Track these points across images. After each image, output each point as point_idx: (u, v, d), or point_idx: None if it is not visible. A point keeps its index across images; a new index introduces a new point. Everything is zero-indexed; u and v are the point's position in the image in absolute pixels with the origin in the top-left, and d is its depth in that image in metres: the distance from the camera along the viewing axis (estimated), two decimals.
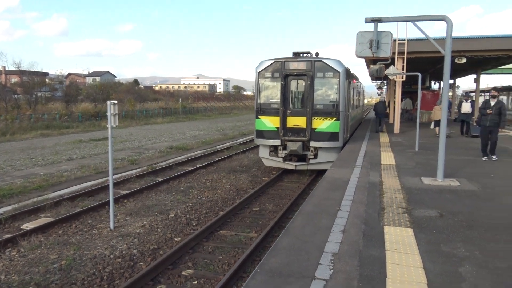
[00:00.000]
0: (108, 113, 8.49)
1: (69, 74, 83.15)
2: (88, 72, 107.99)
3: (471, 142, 16.18)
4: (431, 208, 6.54)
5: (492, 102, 11.24)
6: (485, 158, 11.53)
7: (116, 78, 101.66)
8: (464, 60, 17.91)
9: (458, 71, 27.68)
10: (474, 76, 27.37)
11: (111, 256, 7.27)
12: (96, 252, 7.46)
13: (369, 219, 5.94)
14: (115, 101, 8.75)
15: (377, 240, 5.06)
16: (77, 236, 8.41)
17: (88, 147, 22.07)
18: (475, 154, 12.67)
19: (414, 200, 7.07)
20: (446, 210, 6.38)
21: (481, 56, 18.33)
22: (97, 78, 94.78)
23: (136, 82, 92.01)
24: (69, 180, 13.55)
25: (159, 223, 9.16)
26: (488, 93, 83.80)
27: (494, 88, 11.97)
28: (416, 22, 8.21)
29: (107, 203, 10.13)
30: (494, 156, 11.45)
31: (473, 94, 26.77)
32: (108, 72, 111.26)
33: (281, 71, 13.59)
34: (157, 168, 15.78)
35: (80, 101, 50.23)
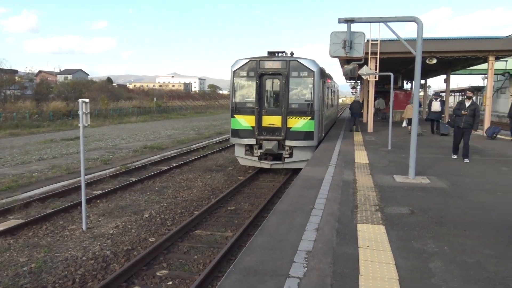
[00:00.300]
0: (80, 112, 8.33)
1: (40, 71, 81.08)
2: (60, 70, 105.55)
3: (441, 140, 16.61)
4: (403, 205, 6.68)
5: (467, 103, 11.14)
6: (455, 156, 11.65)
7: (89, 76, 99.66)
8: (434, 61, 18.35)
9: (429, 72, 28.35)
10: (445, 76, 28.11)
11: (84, 258, 7.14)
12: (68, 254, 7.30)
13: (343, 217, 6.03)
14: (87, 100, 8.58)
15: (350, 238, 5.14)
16: (48, 238, 8.22)
17: (60, 147, 21.57)
18: (445, 152, 13.01)
19: (387, 197, 7.20)
20: (417, 207, 6.53)
21: (450, 57, 18.83)
22: (69, 76, 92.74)
23: (109, 80, 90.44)
24: (39, 181, 13.21)
25: (133, 224, 9.04)
26: (459, 93, 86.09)
27: (470, 89, 12.13)
28: (388, 23, 8.37)
29: (79, 203, 9.93)
30: (466, 159, 11.23)
31: (443, 94, 27.47)
32: (81, 70, 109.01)
33: (256, 70, 13.61)
34: (131, 168, 15.56)
35: (51, 99, 48.99)
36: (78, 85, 61.87)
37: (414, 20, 7.96)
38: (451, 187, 8.06)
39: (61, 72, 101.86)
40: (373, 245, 4.89)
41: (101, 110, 47.45)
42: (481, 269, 4.25)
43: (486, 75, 18.94)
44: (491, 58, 17.93)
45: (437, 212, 6.29)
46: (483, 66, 20.57)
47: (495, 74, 41.23)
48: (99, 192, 11.74)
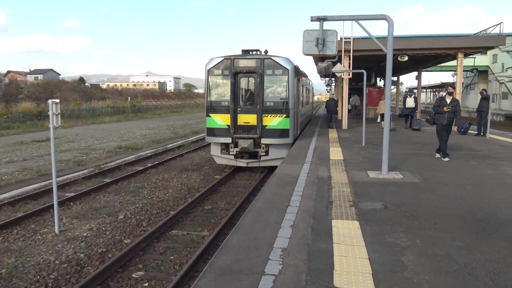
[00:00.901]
0: (50, 113, 8.14)
1: (8, 71, 78.81)
2: (30, 69, 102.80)
3: (414, 136, 16.96)
4: (376, 200, 6.79)
5: (448, 100, 10.77)
6: (438, 155, 11.16)
7: (60, 76, 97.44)
8: (406, 58, 18.71)
9: (401, 69, 28.89)
10: (416, 73, 28.69)
11: (56, 262, 6.99)
12: (40, 258, 7.14)
13: (318, 213, 6.08)
14: (57, 100, 8.39)
15: (325, 234, 5.19)
16: (19, 242, 8.01)
17: (31, 149, 21.02)
18: (418, 147, 13.31)
19: (361, 193, 7.31)
20: (390, 202, 6.65)
21: (421, 54, 19.23)
22: (40, 76, 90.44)
23: (81, 80, 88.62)
24: (9, 184, 12.86)
25: (108, 226, 8.90)
26: (431, 89, 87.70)
27: (451, 85, 11.39)
28: (360, 21, 8.48)
29: (52, 206, 9.71)
30: (443, 156, 11.01)
31: (415, 90, 28.05)
32: (52, 70, 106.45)
33: (230, 68, 13.58)
34: (105, 168, 15.30)
35: (21, 100, 47.68)
36: (49, 85, 60.46)
37: (384, 18, 8.09)
38: (423, 182, 8.24)
39: (31, 72, 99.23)
40: (348, 240, 4.96)
41: (73, 110, 46.46)
42: (451, 261, 4.37)
43: (455, 72, 19.42)
44: (460, 55, 18.41)
45: (409, 206, 6.43)
46: (453, 63, 21.10)
47: (464, 71, 42.39)
48: (72, 194, 11.51)
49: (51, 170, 14.31)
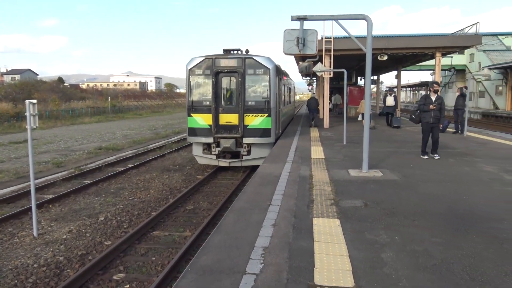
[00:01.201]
0: (28, 114, 8.00)
1: None
2: (6, 69, 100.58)
3: (394, 134, 17.20)
4: (357, 198, 6.87)
5: (433, 97, 10.62)
6: (425, 157, 10.93)
7: (38, 76, 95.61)
8: (385, 57, 18.97)
9: (381, 68, 29.26)
10: (396, 72, 29.10)
11: (35, 265, 6.87)
12: (18, 262, 7.01)
13: (299, 212, 6.12)
14: (35, 101, 8.25)
15: (306, 232, 5.23)
16: None
17: (8, 150, 20.56)
18: (397, 145, 13.50)
19: (342, 191, 7.38)
20: (370, 200, 6.73)
21: (400, 54, 19.51)
22: (17, 76, 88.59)
23: (60, 80, 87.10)
24: None
25: (88, 228, 8.79)
26: (410, 88, 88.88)
27: (436, 82, 11.08)
28: (339, 21, 8.55)
29: (30, 209, 9.55)
30: (436, 155, 10.87)
31: (395, 89, 28.43)
32: (29, 69, 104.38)
33: (211, 68, 13.55)
34: (85, 170, 15.09)
35: None
36: (27, 85, 59.28)
37: (364, 18, 8.18)
38: (402, 179, 8.37)
39: (8, 72, 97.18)
40: (328, 238, 5.01)
41: (52, 111, 45.63)
42: (429, 257, 4.45)
43: (434, 71, 19.78)
44: (438, 55, 18.75)
45: (389, 203, 6.52)
46: (432, 62, 21.47)
47: (442, 70, 43.16)
48: (51, 196, 11.31)
49: (29, 172, 14.09)
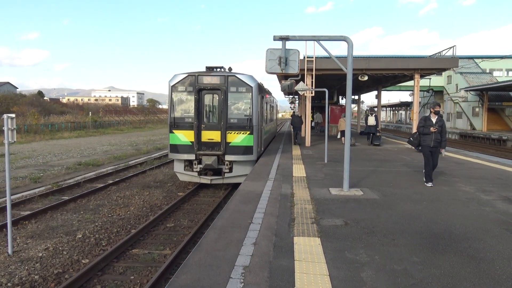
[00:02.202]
0: (5, 128, 7.86)
1: None
2: None
3: (374, 153, 17.41)
4: (337, 217, 6.90)
5: (434, 119, 9.80)
6: (430, 184, 9.85)
7: (17, 90, 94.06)
8: (366, 78, 19.32)
9: (361, 87, 29.75)
10: (376, 92, 29.63)
11: (9, 284, 6.68)
12: None
13: (280, 230, 6.12)
14: (13, 115, 8.13)
15: (287, 251, 5.22)
16: None
17: None
18: (377, 164, 13.66)
19: (322, 210, 7.41)
20: (350, 219, 6.77)
21: (380, 74, 19.91)
22: None
23: (40, 94, 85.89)
24: None
25: (65, 245, 8.59)
26: (390, 108, 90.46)
27: (437, 103, 10.18)
28: (321, 42, 8.72)
29: (5, 226, 9.32)
30: (430, 183, 9.90)
31: (376, 108, 28.91)
32: (8, 83, 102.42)
33: (194, 85, 13.59)
34: (63, 186, 14.83)
35: None
36: (5, 99, 58.26)
37: (344, 39, 8.35)
38: (382, 198, 8.45)
39: None
40: (309, 257, 5.01)
41: (31, 125, 44.87)
42: (408, 276, 4.48)
43: (413, 91, 20.24)
44: (417, 76, 19.20)
45: (369, 222, 6.57)
46: (411, 83, 21.95)
47: (421, 91, 44.15)
48: (28, 212, 11.07)
49: (4, 188, 13.74)
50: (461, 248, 5.39)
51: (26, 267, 7.42)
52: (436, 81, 52.75)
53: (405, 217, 6.96)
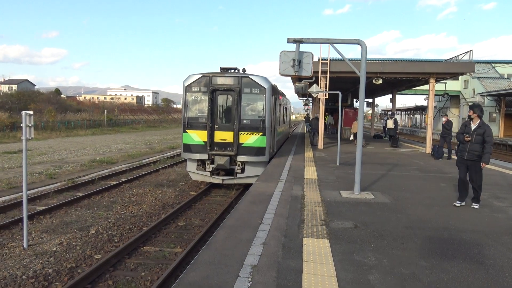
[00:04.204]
0: (23, 125, 8.06)
1: None
2: (4, 79, 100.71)
3: (387, 157, 17.31)
4: (347, 220, 6.92)
5: (473, 126, 8.02)
6: (458, 204, 8.28)
7: (35, 87, 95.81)
8: (380, 81, 19.22)
9: (376, 91, 29.61)
10: (391, 95, 29.45)
11: (23, 277, 6.83)
12: (6, 273, 6.96)
13: (290, 231, 6.17)
14: (31, 112, 8.32)
15: (296, 252, 5.27)
16: None
17: (1, 160, 20.54)
18: (389, 168, 13.60)
19: (333, 212, 7.44)
20: (360, 222, 6.79)
21: (395, 78, 19.80)
22: (14, 86, 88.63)
23: (57, 91, 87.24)
24: None
25: (78, 240, 8.76)
26: (405, 112, 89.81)
27: (472, 107, 8.24)
28: (335, 45, 8.75)
29: (21, 220, 9.55)
30: (475, 204, 8.23)
31: (390, 112, 28.72)
32: (27, 80, 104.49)
33: (208, 85, 13.70)
34: (78, 182, 15.06)
35: None
36: (23, 95, 59.33)
37: (358, 42, 8.37)
38: (393, 202, 8.44)
39: (5, 82, 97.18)
40: (317, 258, 5.05)
41: (47, 122, 45.65)
42: (416, 280, 4.50)
43: (428, 96, 20.08)
44: (432, 80, 19.04)
45: (378, 225, 6.58)
46: (426, 87, 21.80)
47: (436, 95, 43.72)
48: (43, 207, 11.29)
49: (21, 183, 14.04)
50: (471, 254, 5.37)
51: (41, 261, 7.59)
52: (452, 85, 52.17)
53: (415, 221, 6.95)
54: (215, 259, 4.93)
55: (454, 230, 6.47)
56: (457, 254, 5.34)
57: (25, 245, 8.25)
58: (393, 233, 6.21)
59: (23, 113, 8.15)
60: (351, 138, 21.63)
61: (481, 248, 5.62)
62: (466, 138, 8.02)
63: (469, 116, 8.22)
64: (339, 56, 20.36)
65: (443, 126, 17.11)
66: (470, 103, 46.81)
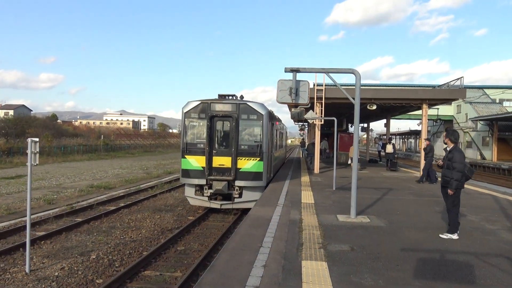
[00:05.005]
0: (29, 151, 8.32)
1: None
2: (1, 105, 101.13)
3: (383, 181, 17.60)
4: (344, 243, 7.14)
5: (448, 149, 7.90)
6: (444, 237, 7.70)
7: (32, 112, 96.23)
8: (374, 107, 19.69)
9: (370, 116, 30.12)
10: (385, 120, 29.96)
11: None
12: None
13: (289, 254, 6.38)
14: (37, 139, 8.59)
15: (295, 274, 5.48)
16: None
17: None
18: (385, 192, 13.85)
19: (330, 236, 7.66)
20: (357, 245, 7.01)
21: (388, 104, 20.28)
22: (10, 112, 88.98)
23: (54, 116, 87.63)
24: None
25: (80, 265, 8.88)
26: (399, 136, 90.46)
27: (446, 132, 8.02)
28: (330, 74, 9.14)
29: (21, 245, 9.70)
30: (445, 235, 7.74)
31: (384, 136, 29.19)
32: (23, 105, 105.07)
33: (207, 112, 14.04)
34: (76, 208, 15.19)
35: None
36: (20, 121, 59.57)
37: (352, 72, 8.77)
38: (388, 226, 8.67)
39: (1, 107, 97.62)
40: (316, 280, 5.26)
41: (44, 147, 45.70)
42: None
43: (421, 121, 20.55)
44: (425, 106, 19.54)
45: (374, 248, 6.80)
46: (420, 112, 22.30)
47: (429, 120, 44.38)
48: (43, 233, 11.41)
49: (20, 208, 14.20)
50: (462, 274, 5.59)
51: (43, 286, 7.71)
52: (445, 110, 53.02)
53: (410, 244, 7.18)
54: (218, 280, 5.12)
55: (447, 252, 6.70)
56: (449, 275, 5.56)
57: (27, 270, 8.37)
58: (388, 255, 6.44)
59: (29, 140, 8.42)
60: (349, 162, 22.15)
61: (472, 269, 5.85)
62: (440, 162, 8.04)
63: (444, 142, 8.11)
64: (332, 82, 20.93)
65: (424, 149, 17.88)
66: (464, 128, 47.37)
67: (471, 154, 50.30)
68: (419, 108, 20.99)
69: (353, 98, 9.16)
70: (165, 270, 8.90)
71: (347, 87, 10.50)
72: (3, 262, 9.06)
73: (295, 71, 8.85)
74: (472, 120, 46.17)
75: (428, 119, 21.75)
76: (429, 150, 17.41)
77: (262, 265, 5.78)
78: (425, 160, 17.62)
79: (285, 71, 8.84)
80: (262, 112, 14.14)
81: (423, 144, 17.89)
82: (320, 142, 33.23)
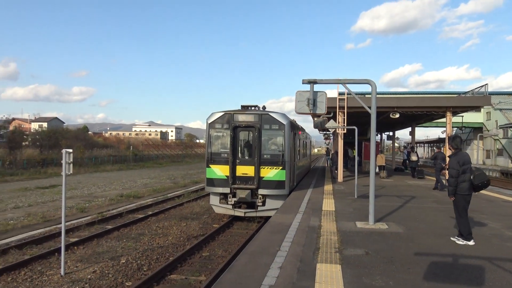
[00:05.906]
0: (63, 161, 8.92)
1: (13, 119, 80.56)
2: (35, 117, 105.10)
3: (406, 189, 17.60)
4: (360, 247, 7.40)
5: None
6: (463, 242, 7.80)
7: (64, 124, 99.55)
8: (397, 115, 19.75)
9: (395, 124, 29.98)
10: (410, 129, 29.74)
11: None
12: None
13: (305, 257, 6.69)
14: (70, 150, 9.20)
15: (310, 275, 5.79)
16: (27, 283, 8.54)
17: (35, 195, 21.64)
18: (407, 200, 13.93)
19: (346, 241, 7.92)
20: (372, 249, 7.26)
21: (411, 112, 20.29)
22: (44, 124, 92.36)
23: (85, 128, 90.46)
24: (15, 229, 13.44)
25: (110, 269, 9.41)
26: (428, 144, 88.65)
27: (449, 138, 8.46)
28: (347, 85, 9.45)
29: (57, 250, 10.31)
30: (455, 238, 8.07)
31: (409, 145, 28.99)
32: (56, 118, 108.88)
33: (230, 122, 14.51)
34: (107, 216, 15.87)
35: (25, 147, 48.76)
36: (54, 133, 61.81)
37: (368, 82, 9.06)
38: (406, 232, 8.85)
39: (36, 120, 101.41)
40: (328, 280, 5.56)
41: (76, 158, 47.32)
42: None
43: (446, 128, 20.44)
44: (449, 114, 19.46)
45: (388, 253, 7.04)
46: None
47: (454, 127, 43.57)
48: (76, 239, 12.04)
49: (55, 216, 14.96)
50: (473, 277, 5.78)
51: (77, 287, 8.25)
52: (474, 117, 52.01)
53: (425, 249, 7.36)
54: (237, 280, 5.50)
55: (461, 256, 6.86)
56: (460, 278, 5.75)
57: (62, 272, 8.95)
58: (402, 259, 6.66)
59: (64, 151, 9.04)
60: (377, 170, 22.33)
61: (484, 272, 6.01)
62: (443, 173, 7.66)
63: (448, 148, 7.94)
64: (357, 90, 21.09)
65: (432, 157, 18.39)
66: (494, 136, 46.23)
67: (502, 162, 49.07)
68: (443, 116, 20.89)
69: (369, 107, 9.43)
70: (190, 274, 9.32)
71: (368, 95, 10.74)
72: (40, 265, 9.69)
73: (312, 82, 9.20)
74: (501, 127, 45.10)
75: (453, 127, 21.60)
76: (435, 158, 17.87)
77: (278, 266, 6.12)
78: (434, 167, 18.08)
79: (303, 83, 9.20)
80: (284, 122, 14.51)
81: (448, 152, 17.90)
82: (347, 150, 33.37)
